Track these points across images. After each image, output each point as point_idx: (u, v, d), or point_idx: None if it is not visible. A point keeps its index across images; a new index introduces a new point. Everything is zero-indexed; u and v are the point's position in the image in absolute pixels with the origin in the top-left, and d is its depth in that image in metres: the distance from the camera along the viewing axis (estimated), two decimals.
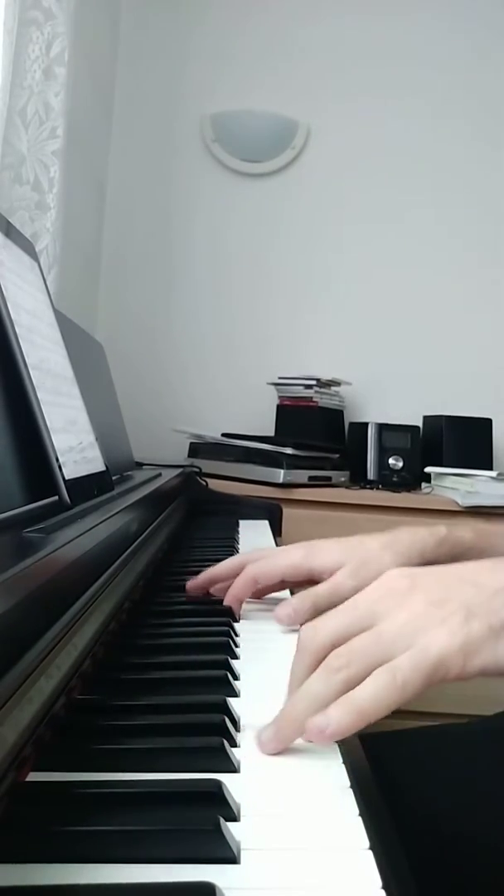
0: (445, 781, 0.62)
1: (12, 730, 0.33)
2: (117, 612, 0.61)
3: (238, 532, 1.21)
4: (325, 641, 0.43)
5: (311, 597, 0.63)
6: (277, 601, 0.71)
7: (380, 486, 1.83)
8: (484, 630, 0.40)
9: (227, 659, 0.53)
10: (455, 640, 0.40)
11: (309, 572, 0.67)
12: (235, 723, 0.43)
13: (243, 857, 0.31)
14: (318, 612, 0.63)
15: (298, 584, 0.69)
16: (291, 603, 0.63)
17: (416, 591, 0.43)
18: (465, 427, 1.93)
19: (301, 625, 0.70)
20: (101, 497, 0.71)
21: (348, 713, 0.38)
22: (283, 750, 0.40)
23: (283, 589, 0.74)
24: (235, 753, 0.40)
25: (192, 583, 0.71)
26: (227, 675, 0.49)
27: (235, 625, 0.64)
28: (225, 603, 0.68)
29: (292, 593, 0.77)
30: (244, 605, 0.70)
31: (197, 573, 0.77)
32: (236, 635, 0.61)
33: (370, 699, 0.38)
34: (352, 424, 2.03)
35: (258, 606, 0.72)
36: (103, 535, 0.56)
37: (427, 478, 1.87)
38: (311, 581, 0.67)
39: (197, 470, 1.55)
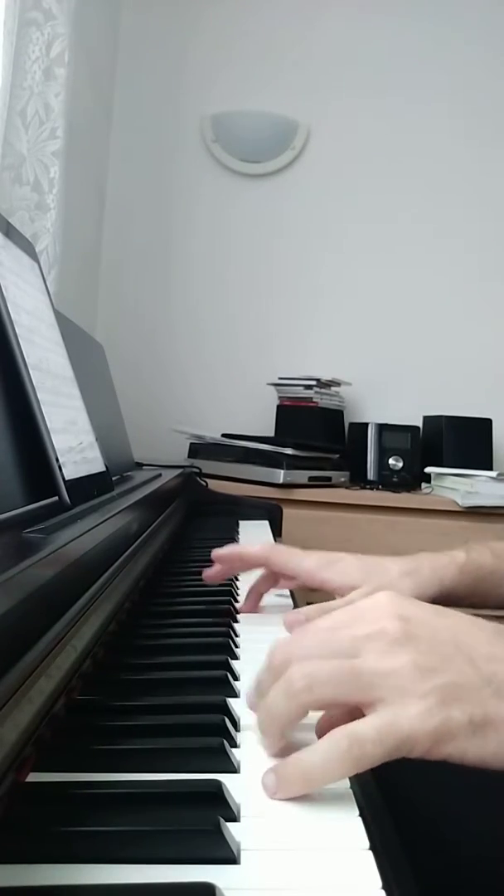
0: (446, 781, 0.62)
1: (12, 730, 0.33)
2: (117, 612, 0.61)
3: (238, 532, 1.21)
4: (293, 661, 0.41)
5: (324, 612, 0.62)
6: (278, 606, 0.71)
7: (380, 487, 1.83)
8: (463, 721, 0.37)
9: (227, 659, 0.53)
10: (429, 722, 0.36)
11: (321, 583, 0.66)
12: (235, 723, 0.43)
13: (243, 857, 0.31)
14: None
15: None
16: (304, 612, 0.60)
17: (407, 645, 0.39)
18: (465, 427, 1.93)
19: None
20: (100, 498, 0.71)
21: (293, 778, 0.36)
22: (277, 753, 0.40)
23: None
24: (235, 754, 0.40)
25: (219, 552, 0.72)
26: (226, 675, 0.50)
27: (235, 625, 0.64)
28: (247, 596, 0.70)
29: (293, 594, 0.77)
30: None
31: (198, 574, 0.77)
32: (236, 635, 0.61)
33: (319, 768, 0.36)
34: (352, 425, 2.03)
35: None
36: (103, 536, 0.56)
37: (427, 478, 1.87)
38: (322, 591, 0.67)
39: (197, 470, 1.55)
